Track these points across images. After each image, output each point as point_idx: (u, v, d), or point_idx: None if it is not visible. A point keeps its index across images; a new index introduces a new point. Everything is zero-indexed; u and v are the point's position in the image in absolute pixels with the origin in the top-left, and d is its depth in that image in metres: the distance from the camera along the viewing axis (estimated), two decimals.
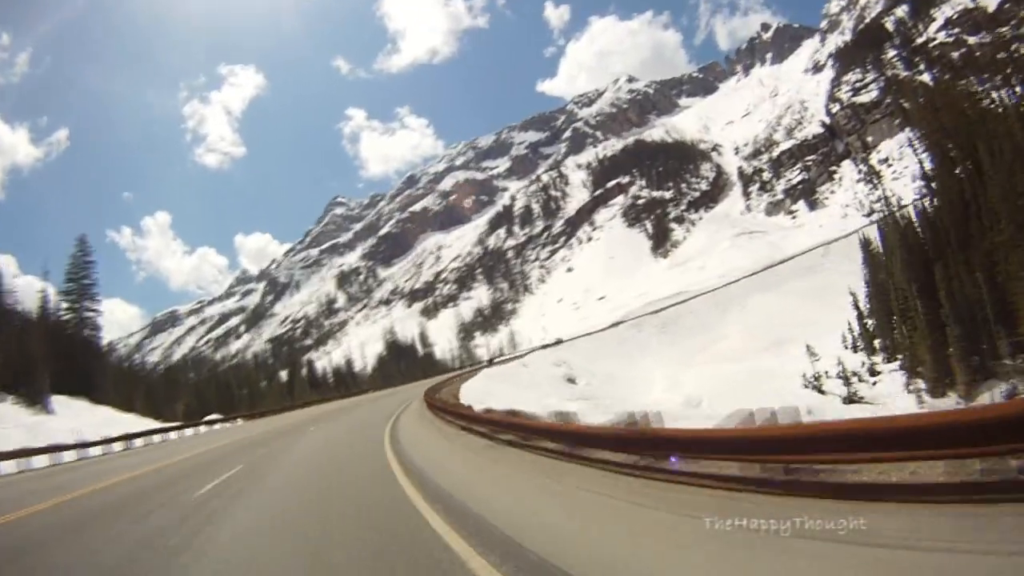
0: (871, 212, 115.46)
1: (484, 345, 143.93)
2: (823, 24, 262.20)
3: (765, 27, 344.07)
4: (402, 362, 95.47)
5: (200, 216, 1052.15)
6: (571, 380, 34.12)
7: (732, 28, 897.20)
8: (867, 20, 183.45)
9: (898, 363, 34.23)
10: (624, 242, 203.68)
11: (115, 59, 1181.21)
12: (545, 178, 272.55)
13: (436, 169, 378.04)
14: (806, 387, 36.35)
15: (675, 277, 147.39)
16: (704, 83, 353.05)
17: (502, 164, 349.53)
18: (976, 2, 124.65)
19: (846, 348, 42.68)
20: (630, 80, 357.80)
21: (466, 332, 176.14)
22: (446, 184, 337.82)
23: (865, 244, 42.64)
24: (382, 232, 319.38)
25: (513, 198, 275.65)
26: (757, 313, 64.98)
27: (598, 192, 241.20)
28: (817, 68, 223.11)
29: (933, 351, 27.60)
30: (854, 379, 34.59)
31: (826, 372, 37.33)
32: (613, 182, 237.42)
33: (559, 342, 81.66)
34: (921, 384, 29.44)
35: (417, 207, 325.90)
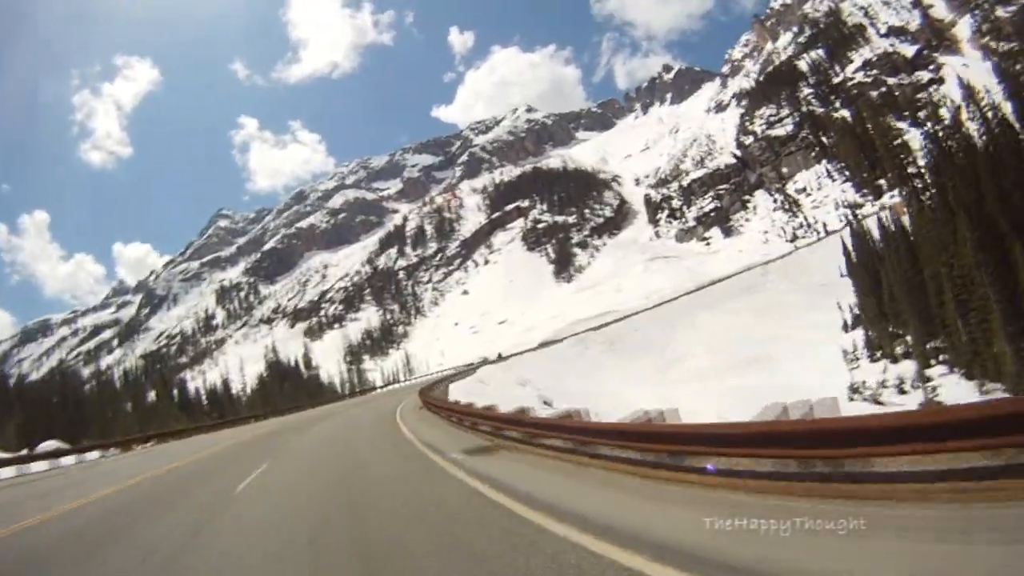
0: (795, 237, 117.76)
1: (376, 369, 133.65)
2: (725, 68, 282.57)
3: (667, 68, 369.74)
4: (285, 384, 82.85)
5: (80, 219, 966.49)
6: (546, 402, 26.01)
7: (631, 68, 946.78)
8: (777, 62, 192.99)
9: (946, 366, 31.35)
10: (524, 266, 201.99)
11: (3, 31, 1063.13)
12: (439, 200, 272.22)
13: (326, 186, 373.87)
14: (853, 399, 32.66)
15: (586, 300, 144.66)
16: (602, 118, 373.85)
17: (394, 186, 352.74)
18: (894, 47, 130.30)
19: (856, 358, 40.53)
20: (529, 110, 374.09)
21: (354, 355, 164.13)
22: (335, 202, 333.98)
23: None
24: (266, 247, 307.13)
25: (405, 218, 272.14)
26: (710, 331, 60.90)
27: (496, 215, 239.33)
28: (720, 108, 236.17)
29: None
30: (909, 387, 31.51)
31: (863, 382, 33.20)
32: (512, 205, 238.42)
33: (501, 358, 74.06)
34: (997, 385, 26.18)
35: (304, 223, 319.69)
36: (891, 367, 34.89)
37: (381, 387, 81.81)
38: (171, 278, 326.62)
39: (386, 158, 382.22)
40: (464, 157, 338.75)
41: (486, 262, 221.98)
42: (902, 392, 31.33)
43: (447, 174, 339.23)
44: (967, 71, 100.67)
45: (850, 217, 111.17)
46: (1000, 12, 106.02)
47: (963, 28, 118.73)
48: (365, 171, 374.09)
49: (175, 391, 71.12)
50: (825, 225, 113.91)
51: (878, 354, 37.78)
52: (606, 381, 42.74)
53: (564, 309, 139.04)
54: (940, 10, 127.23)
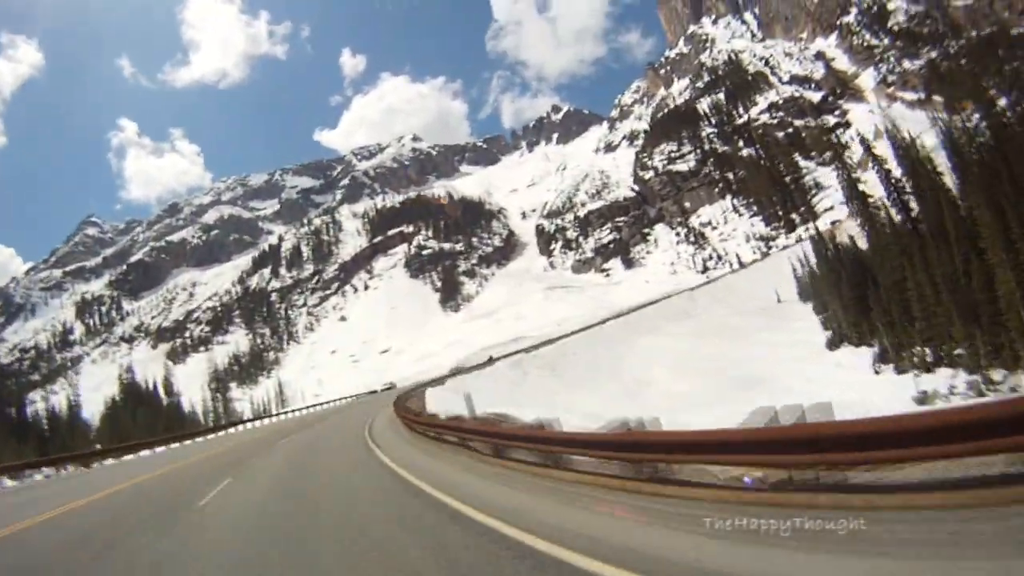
0: (705, 268, 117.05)
1: (244, 398, 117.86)
2: (614, 113, 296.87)
3: (556, 109, 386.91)
4: (140, 412, 66.26)
5: None
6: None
7: (519, 107, 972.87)
8: (672, 105, 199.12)
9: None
10: (408, 293, 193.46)
11: None
12: (317, 222, 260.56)
13: (201, 201, 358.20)
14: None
15: (484, 328, 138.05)
16: (487, 153, 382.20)
17: (271, 206, 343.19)
18: (802, 92, 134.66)
19: (877, 371, 36.90)
20: (415, 139, 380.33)
21: (220, 381, 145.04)
22: (209, 218, 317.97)
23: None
24: (133, 259, 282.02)
25: (281, 237, 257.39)
26: (661, 355, 53.01)
27: (378, 239, 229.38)
28: (610, 148, 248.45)
29: None
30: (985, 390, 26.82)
31: (934, 391, 28.83)
32: (395, 231, 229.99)
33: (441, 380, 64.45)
34: None
35: (175, 237, 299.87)
36: (928, 376, 31.69)
37: (250, 421, 66.97)
38: (31, 286, 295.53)
39: (265, 177, 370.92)
40: (346, 181, 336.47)
41: (366, 288, 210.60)
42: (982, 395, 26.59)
43: (326, 198, 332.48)
44: (873, 117, 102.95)
45: (764, 248, 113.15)
46: (907, 64, 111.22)
47: (867, 79, 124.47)
48: (243, 188, 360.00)
49: (13, 412, 53.90)
50: (738, 256, 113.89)
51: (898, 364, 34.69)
52: (556, 406, 32.89)
53: (460, 337, 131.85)
54: (843, 62, 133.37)
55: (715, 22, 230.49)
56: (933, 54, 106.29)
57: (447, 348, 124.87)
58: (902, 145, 35.30)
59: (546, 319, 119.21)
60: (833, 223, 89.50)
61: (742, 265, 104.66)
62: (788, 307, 63.22)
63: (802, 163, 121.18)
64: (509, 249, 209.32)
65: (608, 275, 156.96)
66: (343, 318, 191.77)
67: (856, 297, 42.47)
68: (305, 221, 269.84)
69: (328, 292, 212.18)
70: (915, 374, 32.74)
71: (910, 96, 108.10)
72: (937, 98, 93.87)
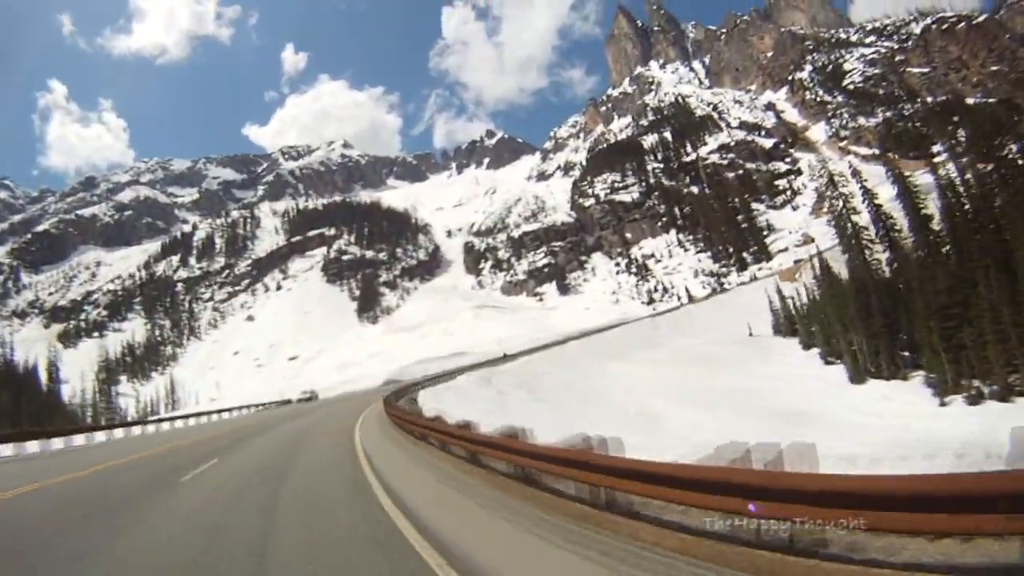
0: (651, 300, 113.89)
1: (132, 394, 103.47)
2: (548, 144, 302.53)
3: (490, 134, 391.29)
4: (3, 396, 53.85)
5: None
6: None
7: (452, 129, 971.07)
8: (613, 140, 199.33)
9: None
10: (323, 298, 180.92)
11: None
12: (235, 214, 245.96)
13: (119, 179, 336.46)
14: None
15: (408, 342, 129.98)
16: (415, 170, 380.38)
17: (190, 195, 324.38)
18: (753, 138, 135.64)
19: (944, 403, 32.67)
20: (345, 145, 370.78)
21: (109, 372, 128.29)
22: (125, 196, 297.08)
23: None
24: (39, 229, 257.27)
25: (195, 225, 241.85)
26: (642, 381, 49.00)
27: (296, 239, 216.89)
28: (543, 176, 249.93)
29: None
30: None
31: None
32: (316, 232, 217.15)
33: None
34: None
35: (86, 212, 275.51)
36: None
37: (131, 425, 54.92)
38: None
39: (188, 164, 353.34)
40: (269, 178, 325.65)
41: (278, 288, 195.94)
42: None
43: (248, 194, 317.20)
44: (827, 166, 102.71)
45: (714, 284, 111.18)
46: (862, 121, 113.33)
47: (818, 132, 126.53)
48: (164, 172, 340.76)
49: None
50: (688, 290, 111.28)
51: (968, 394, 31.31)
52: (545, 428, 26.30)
53: (383, 349, 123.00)
54: (792, 115, 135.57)
55: (663, 66, 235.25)
56: (888, 114, 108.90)
57: (371, 359, 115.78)
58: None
59: (480, 337, 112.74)
60: (797, 261, 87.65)
61: (691, 299, 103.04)
62: (765, 340, 59.11)
63: (753, 204, 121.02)
64: (434, 264, 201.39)
65: (541, 299, 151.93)
66: (250, 318, 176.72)
67: (886, 327, 39.10)
68: (223, 214, 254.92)
69: (237, 288, 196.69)
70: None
71: (864, 151, 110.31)
72: (892, 155, 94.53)
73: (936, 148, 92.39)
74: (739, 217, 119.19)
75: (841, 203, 53.47)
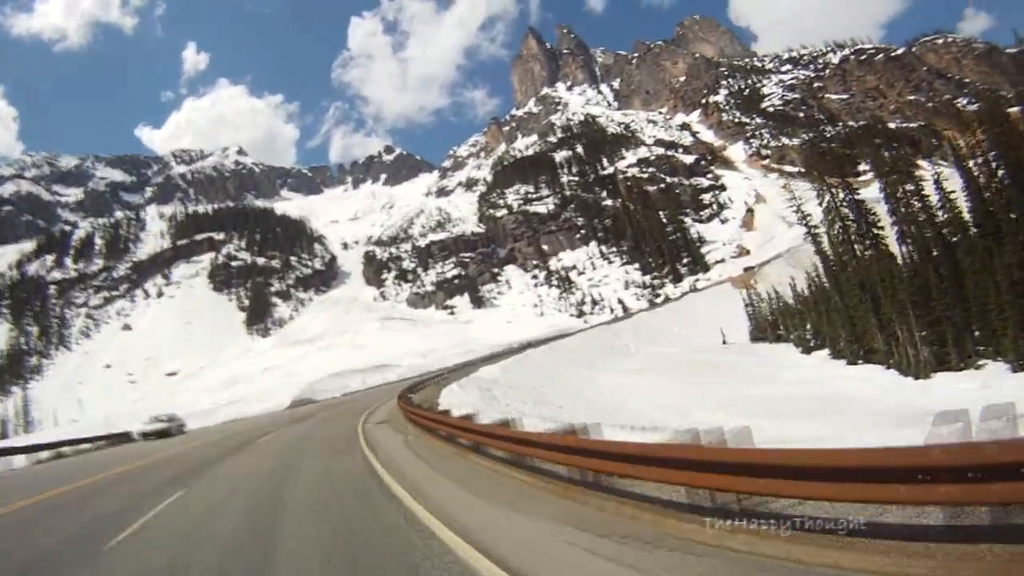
0: (581, 313, 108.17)
1: None
2: (447, 163, 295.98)
3: (388, 150, 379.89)
4: None
5: None
6: None
7: (349, 144, 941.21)
8: (518, 156, 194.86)
9: None
10: (208, 308, 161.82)
11: None
12: (120, 215, 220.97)
13: (2, 172, 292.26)
14: None
15: (307, 355, 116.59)
16: (310, 182, 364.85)
17: (75, 194, 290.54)
18: (676, 153, 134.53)
19: None
20: (240, 152, 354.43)
21: None
22: (5, 191, 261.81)
23: None
24: None
25: (76, 224, 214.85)
26: (640, 390, 41.68)
27: (183, 242, 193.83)
28: (443, 192, 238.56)
29: None
30: None
31: None
32: (204, 235, 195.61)
33: None
34: None
35: None
36: None
37: None
38: None
39: (76, 161, 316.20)
40: (159, 180, 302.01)
41: (160, 295, 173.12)
42: None
43: (136, 197, 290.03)
44: (749, 183, 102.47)
45: (650, 296, 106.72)
46: (785, 141, 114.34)
47: (736, 151, 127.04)
48: (50, 168, 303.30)
49: None
50: (622, 302, 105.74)
51: None
52: None
53: (280, 363, 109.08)
54: (707, 136, 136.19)
55: (570, 88, 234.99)
56: (809, 135, 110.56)
57: (264, 374, 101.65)
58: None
59: (396, 349, 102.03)
60: (747, 269, 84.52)
61: (626, 310, 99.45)
62: (753, 347, 54.00)
63: (680, 218, 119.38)
64: (330, 276, 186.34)
65: (453, 312, 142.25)
66: (127, 326, 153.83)
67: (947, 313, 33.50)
68: (107, 215, 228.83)
69: (115, 293, 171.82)
70: None
71: (788, 168, 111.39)
72: (816, 173, 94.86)
73: (862, 167, 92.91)
74: (670, 229, 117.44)
75: (827, 198, 49.44)
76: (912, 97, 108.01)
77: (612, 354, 55.92)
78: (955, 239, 37.78)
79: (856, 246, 46.32)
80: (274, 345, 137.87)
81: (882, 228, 43.30)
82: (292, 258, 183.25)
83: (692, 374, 42.94)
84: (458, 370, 52.11)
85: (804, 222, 59.20)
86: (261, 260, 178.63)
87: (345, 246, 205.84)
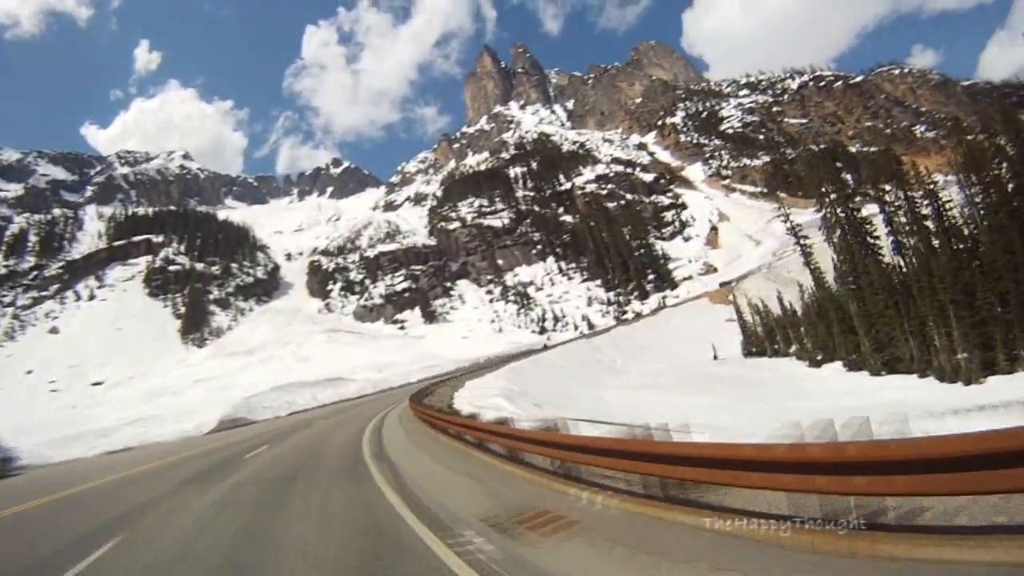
0: (543, 329, 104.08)
1: None
2: (394, 178, 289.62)
3: (336, 163, 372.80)
4: None
5: None
6: None
7: (296, 155, 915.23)
8: (470, 171, 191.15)
9: None
10: (142, 314, 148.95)
11: None
12: (57, 212, 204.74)
13: None
14: None
15: (246, 368, 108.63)
16: (255, 192, 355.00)
17: (15, 190, 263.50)
18: (635, 171, 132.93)
19: None
20: (186, 157, 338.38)
21: None
22: None
23: None
24: None
25: (9, 219, 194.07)
26: (662, 407, 35.84)
27: (119, 242, 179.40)
28: (390, 207, 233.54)
29: None
30: None
31: None
32: (142, 237, 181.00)
33: None
34: None
35: None
36: None
37: None
38: None
39: (18, 156, 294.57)
40: (100, 179, 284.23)
41: (91, 297, 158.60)
42: None
43: (76, 196, 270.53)
44: (711, 202, 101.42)
45: (616, 313, 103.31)
46: (746, 162, 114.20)
47: (695, 171, 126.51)
48: None
49: None
50: (587, 318, 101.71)
51: None
52: None
53: (214, 374, 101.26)
54: (664, 157, 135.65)
55: (523, 107, 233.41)
56: (768, 158, 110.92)
57: (194, 386, 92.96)
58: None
59: (347, 362, 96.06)
60: (723, 284, 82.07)
61: (591, 327, 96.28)
62: (747, 361, 49.69)
63: (637, 236, 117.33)
64: (273, 286, 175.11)
65: (403, 327, 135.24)
66: (54, 330, 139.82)
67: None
68: (45, 212, 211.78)
69: (44, 294, 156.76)
70: None
71: (750, 188, 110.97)
72: (779, 193, 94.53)
73: (826, 188, 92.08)
74: (634, 245, 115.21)
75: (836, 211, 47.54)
76: (870, 123, 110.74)
77: (603, 370, 51.67)
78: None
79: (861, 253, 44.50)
80: (210, 356, 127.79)
81: (878, 238, 41.92)
82: (233, 265, 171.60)
83: (714, 389, 38.80)
84: (443, 383, 46.40)
85: (794, 234, 57.05)
86: (200, 266, 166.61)
87: (289, 257, 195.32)
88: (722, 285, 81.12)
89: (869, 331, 38.65)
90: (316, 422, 29.66)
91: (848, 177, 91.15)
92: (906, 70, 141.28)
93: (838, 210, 46.15)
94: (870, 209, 46.36)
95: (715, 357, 53.15)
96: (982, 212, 37.47)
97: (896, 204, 40.03)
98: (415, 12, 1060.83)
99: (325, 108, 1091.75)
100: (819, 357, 42.92)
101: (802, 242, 55.10)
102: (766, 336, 50.34)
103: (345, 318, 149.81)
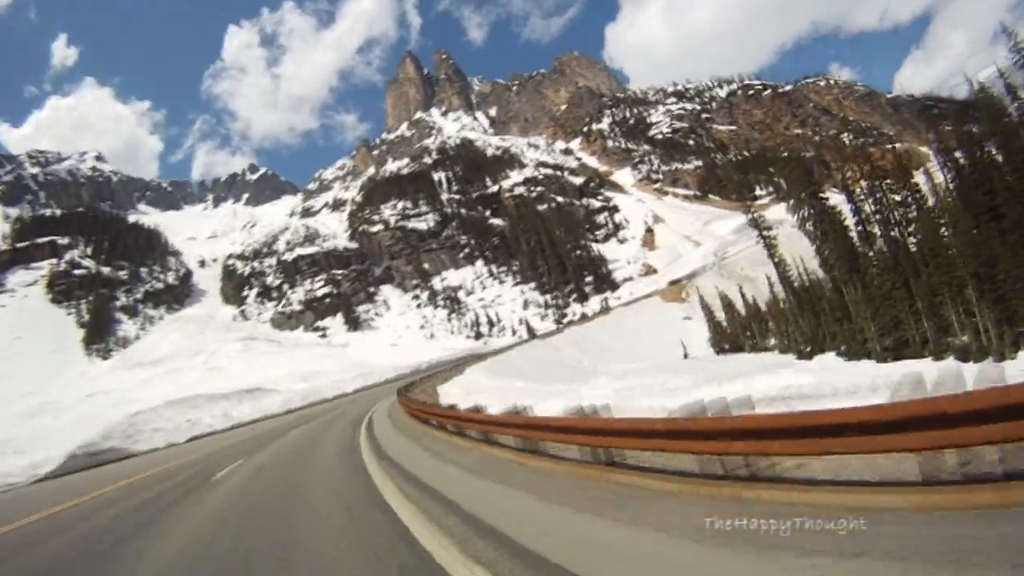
0: (479, 335, 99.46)
1: None
2: (312, 186, 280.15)
3: (253, 168, 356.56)
4: None
5: None
6: None
7: (212, 161, 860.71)
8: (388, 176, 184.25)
9: None
10: (43, 321, 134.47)
11: None
12: None
13: None
14: None
15: (152, 380, 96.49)
16: (169, 197, 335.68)
17: None
18: (564, 174, 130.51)
19: None
20: (98, 159, 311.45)
21: None
22: None
23: None
24: None
25: None
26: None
27: (22, 244, 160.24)
28: (308, 213, 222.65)
29: None
30: None
31: None
32: (46, 239, 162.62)
33: None
34: None
35: None
36: None
37: None
38: None
39: None
40: (8, 178, 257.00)
41: None
42: None
43: None
44: (644, 206, 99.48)
45: (556, 316, 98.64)
46: (677, 166, 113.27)
47: (624, 175, 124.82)
48: None
49: None
50: (527, 322, 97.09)
51: None
52: None
53: (112, 387, 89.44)
54: (591, 162, 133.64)
55: (445, 114, 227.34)
56: (700, 162, 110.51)
57: (84, 401, 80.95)
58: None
59: (268, 373, 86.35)
60: (672, 282, 78.81)
61: (531, 330, 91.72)
62: (723, 358, 45.91)
63: (578, 238, 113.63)
64: (184, 293, 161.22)
65: (325, 335, 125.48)
66: None
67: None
68: None
69: None
70: None
71: (683, 191, 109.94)
72: (712, 196, 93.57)
73: (759, 191, 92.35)
74: (569, 247, 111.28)
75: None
76: (799, 131, 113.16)
77: (571, 371, 45.94)
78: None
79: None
80: (114, 367, 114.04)
81: (854, 224, 40.13)
82: (143, 270, 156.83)
83: (723, 389, 33.98)
84: (414, 384, 38.47)
85: (759, 230, 54.75)
86: (107, 270, 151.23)
87: (203, 264, 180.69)
88: (672, 283, 78.28)
89: (874, 316, 35.70)
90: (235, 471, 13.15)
91: (781, 181, 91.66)
92: (832, 81, 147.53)
93: (816, 201, 44.04)
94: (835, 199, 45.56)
95: (685, 356, 49.13)
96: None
97: (870, 190, 35.08)
98: (339, 17, 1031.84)
99: (243, 112, 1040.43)
100: (808, 349, 39.55)
101: (765, 236, 52.58)
102: (741, 331, 46.61)
103: (262, 326, 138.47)
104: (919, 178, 40.62)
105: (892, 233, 38.83)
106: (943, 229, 34.54)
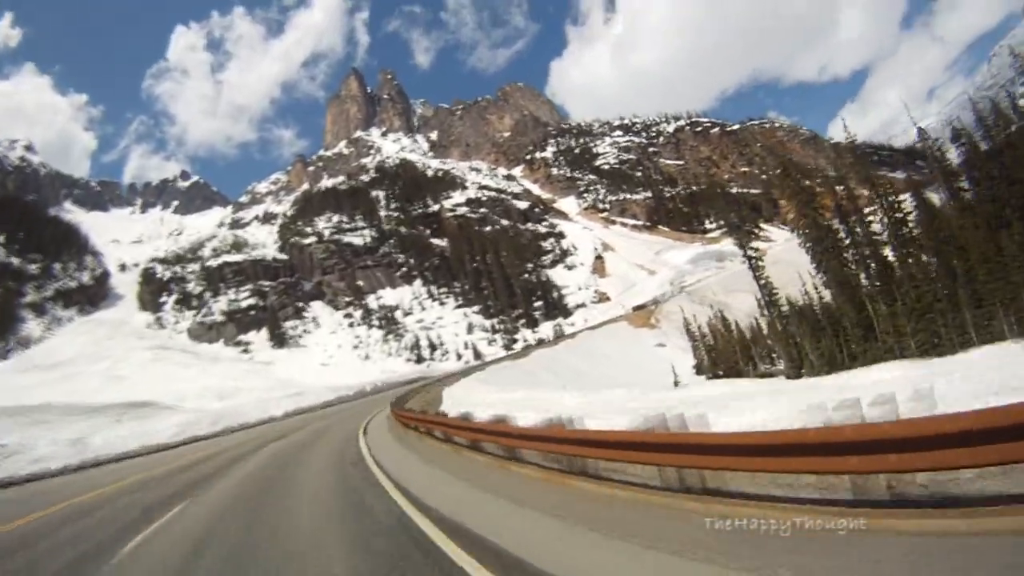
0: (420, 359, 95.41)
1: None
2: (244, 198, 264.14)
3: (185, 175, 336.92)
4: None
5: None
6: None
7: (144, 165, 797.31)
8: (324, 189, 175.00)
9: None
10: None
11: None
12: None
13: None
14: None
15: (36, 387, 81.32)
16: (97, 197, 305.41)
17: None
18: (508, 198, 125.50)
19: None
20: (28, 148, 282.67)
21: None
22: None
23: None
24: None
25: None
26: None
27: None
28: (237, 224, 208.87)
29: None
30: None
31: None
32: None
33: None
34: None
35: None
36: None
37: None
38: None
39: None
40: None
41: None
42: None
43: None
44: (591, 233, 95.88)
45: (505, 339, 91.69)
46: (625, 196, 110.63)
47: (568, 204, 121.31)
48: None
49: None
50: (472, 345, 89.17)
51: None
52: None
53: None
54: (535, 189, 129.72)
55: (385, 134, 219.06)
56: (647, 194, 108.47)
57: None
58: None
59: (177, 386, 74.79)
60: (638, 308, 73.67)
61: (477, 354, 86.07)
62: (728, 383, 40.39)
63: (522, 263, 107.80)
64: (100, 295, 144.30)
65: (248, 350, 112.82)
66: None
67: None
68: None
69: None
70: None
71: (631, 221, 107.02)
72: (663, 227, 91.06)
73: (709, 224, 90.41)
74: (516, 271, 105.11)
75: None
76: (745, 169, 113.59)
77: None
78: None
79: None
80: (9, 370, 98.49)
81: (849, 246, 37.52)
82: (56, 265, 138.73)
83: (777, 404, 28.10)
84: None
85: (744, 249, 51.22)
86: (17, 261, 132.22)
87: (123, 268, 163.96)
88: (636, 309, 73.41)
89: (915, 332, 31.58)
90: None
91: (733, 216, 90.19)
92: (777, 124, 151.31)
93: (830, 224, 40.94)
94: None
95: (676, 383, 43.56)
96: None
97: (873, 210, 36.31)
98: (289, 27, 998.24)
99: (182, 117, 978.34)
100: (826, 370, 35.29)
101: (752, 260, 49.17)
102: (741, 354, 41.70)
103: (178, 336, 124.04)
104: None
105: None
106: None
